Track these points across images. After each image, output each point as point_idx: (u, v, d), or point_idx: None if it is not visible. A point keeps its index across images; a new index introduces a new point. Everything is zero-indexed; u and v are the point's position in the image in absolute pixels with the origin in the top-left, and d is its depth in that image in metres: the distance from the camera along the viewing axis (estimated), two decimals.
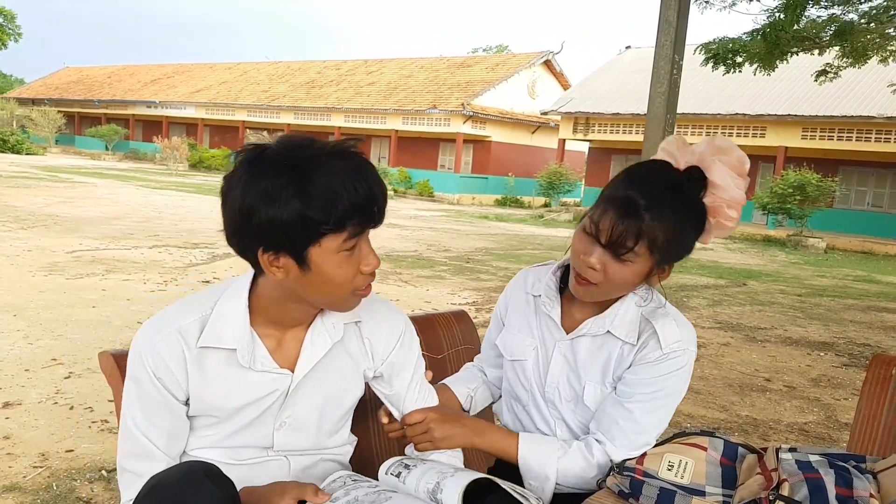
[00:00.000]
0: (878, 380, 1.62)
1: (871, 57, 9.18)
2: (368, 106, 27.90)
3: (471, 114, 25.12)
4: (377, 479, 1.25)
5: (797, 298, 8.62)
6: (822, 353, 5.61)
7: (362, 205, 1.04)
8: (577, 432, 1.39)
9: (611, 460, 1.29)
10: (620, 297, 1.34)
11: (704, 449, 1.24)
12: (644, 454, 1.26)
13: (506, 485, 1.13)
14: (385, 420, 1.35)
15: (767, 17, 7.96)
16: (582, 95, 24.58)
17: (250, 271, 1.16)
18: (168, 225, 10.82)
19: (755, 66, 8.77)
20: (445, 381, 1.58)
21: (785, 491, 1.07)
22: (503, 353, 1.49)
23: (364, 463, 1.42)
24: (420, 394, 1.32)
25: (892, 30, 8.56)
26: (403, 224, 14.39)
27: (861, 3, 8.30)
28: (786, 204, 17.26)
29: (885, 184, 20.44)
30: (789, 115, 19.44)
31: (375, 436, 1.53)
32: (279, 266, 1.06)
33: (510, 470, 1.35)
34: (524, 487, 1.31)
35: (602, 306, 1.35)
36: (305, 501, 1.11)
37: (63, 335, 4.37)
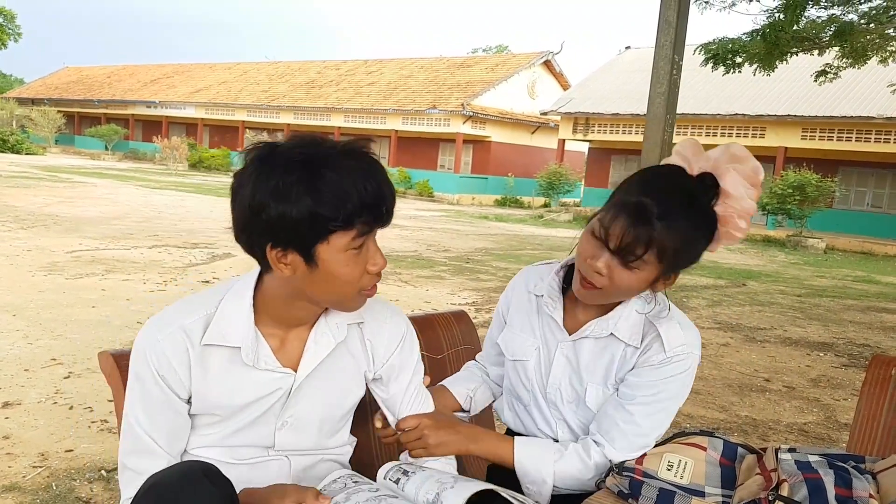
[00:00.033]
0: (878, 380, 1.62)
1: (870, 57, 9.18)
2: (368, 106, 27.90)
3: (470, 114, 25.12)
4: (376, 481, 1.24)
5: (797, 299, 8.62)
6: (821, 354, 5.61)
7: (371, 204, 1.04)
8: (579, 433, 1.39)
9: (609, 461, 1.29)
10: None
11: (704, 449, 1.24)
12: (644, 454, 1.27)
13: (506, 493, 1.12)
14: (379, 425, 1.34)
15: (767, 18, 7.96)
16: (582, 96, 24.58)
17: (254, 271, 1.16)
18: (168, 225, 10.82)
19: (755, 66, 8.77)
20: (444, 382, 1.58)
21: (784, 491, 1.07)
22: (504, 353, 1.49)
23: (363, 464, 1.42)
24: (416, 399, 1.32)
25: (891, 30, 8.56)
26: (403, 224, 14.39)
27: (861, 4, 8.30)
28: (785, 204, 17.26)
29: (885, 184, 20.44)
30: (789, 115, 19.44)
31: (375, 437, 1.53)
32: (287, 263, 1.06)
33: (507, 474, 1.34)
34: (522, 490, 1.31)
35: (605, 308, 1.34)
36: None
37: (63, 335, 4.37)
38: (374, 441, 1.52)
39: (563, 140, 24.87)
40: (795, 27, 7.85)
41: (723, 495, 1.18)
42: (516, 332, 1.46)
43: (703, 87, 20.66)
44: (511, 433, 1.51)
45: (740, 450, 1.26)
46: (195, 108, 34.55)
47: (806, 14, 8.02)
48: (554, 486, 1.31)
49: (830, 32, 8.31)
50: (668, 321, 1.30)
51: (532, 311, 1.45)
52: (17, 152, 29.53)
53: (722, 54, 8.66)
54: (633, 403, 1.30)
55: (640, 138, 19.31)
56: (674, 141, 3.82)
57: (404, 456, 1.34)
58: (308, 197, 1.01)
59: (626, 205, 1.20)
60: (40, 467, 2.59)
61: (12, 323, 4.54)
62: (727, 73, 8.94)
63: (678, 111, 3.97)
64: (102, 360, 1.30)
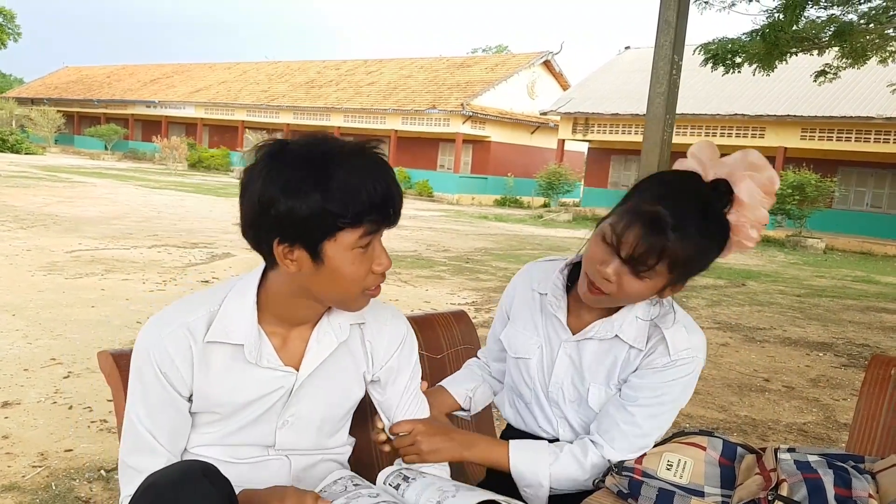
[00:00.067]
0: (877, 380, 1.62)
1: (870, 57, 9.18)
2: (368, 106, 27.89)
3: (470, 114, 25.12)
4: (375, 483, 1.24)
5: (796, 299, 8.62)
6: (820, 354, 5.61)
7: (380, 203, 1.05)
8: (580, 431, 1.39)
9: (608, 461, 1.29)
10: None
11: (703, 448, 1.24)
12: (643, 454, 1.27)
13: (506, 501, 1.12)
14: (379, 433, 1.33)
15: (767, 18, 7.95)
16: (581, 96, 24.58)
17: (258, 269, 1.16)
18: (167, 225, 10.82)
19: (754, 66, 8.77)
20: (444, 381, 1.58)
21: (784, 491, 1.07)
22: (507, 350, 1.49)
23: (362, 464, 1.42)
24: (412, 403, 1.32)
25: (891, 30, 8.56)
26: (403, 224, 14.17)
27: (860, 4, 8.31)
28: (785, 204, 17.25)
29: (884, 184, 20.44)
30: (788, 115, 19.44)
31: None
32: (293, 259, 1.07)
33: (505, 477, 1.34)
34: (519, 494, 1.31)
35: (610, 309, 1.34)
36: None
37: (62, 335, 4.37)
38: (373, 442, 1.52)
39: (563, 140, 24.87)
40: (795, 27, 7.86)
41: (722, 495, 1.18)
42: (519, 330, 1.46)
43: (703, 87, 20.66)
44: (511, 429, 1.51)
45: (740, 450, 1.26)
46: (195, 107, 34.54)
47: (805, 14, 8.02)
48: (551, 488, 1.31)
49: (830, 32, 8.31)
50: (673, 324, 1.30)
51: (535, 309, 1.45)
52: (17, 152, 29.51)
53: (721, 54, 8.66)
54: (634, 405, 1.29)
55: (639, 138, 19.30)
56: (673, 141, 3.82)
57: (400, 461, 1.33)
58: (318, 193, 1.01)
59: (640, 213, 1.18)
60: (40, 467, 2.59)
61: (12, 323, 4.54)
62: (727, 73, 8.94)
63: (678, 111, 3.97)
64: (102, 360, 1.30)
